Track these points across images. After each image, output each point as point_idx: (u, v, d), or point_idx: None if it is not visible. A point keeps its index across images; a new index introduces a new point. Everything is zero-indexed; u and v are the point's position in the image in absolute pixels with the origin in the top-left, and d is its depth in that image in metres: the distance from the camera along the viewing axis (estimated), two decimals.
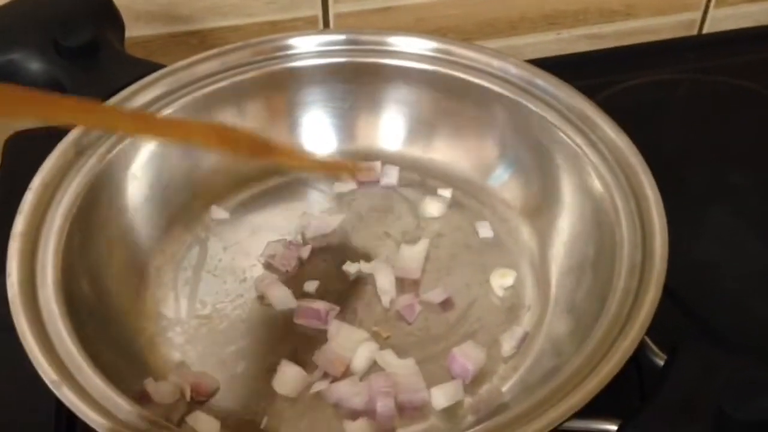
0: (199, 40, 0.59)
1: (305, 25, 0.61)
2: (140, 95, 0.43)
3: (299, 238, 0.44)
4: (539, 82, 0.44)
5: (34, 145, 0.54)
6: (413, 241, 0.44)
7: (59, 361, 0.32)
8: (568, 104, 0.43)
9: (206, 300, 0.42)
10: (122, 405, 0.31)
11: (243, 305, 0.41)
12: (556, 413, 0.30)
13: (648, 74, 0.62)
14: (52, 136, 0.55)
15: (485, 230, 0.44)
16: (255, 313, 0.41)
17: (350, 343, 0.38)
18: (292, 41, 0.46)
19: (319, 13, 0.60)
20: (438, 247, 0.44)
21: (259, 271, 0.43)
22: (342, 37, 0.46)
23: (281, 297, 0.41)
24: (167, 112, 0.43)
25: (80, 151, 0.41)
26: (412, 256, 0.43)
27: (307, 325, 0.40)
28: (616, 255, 0.37)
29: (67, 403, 0.31)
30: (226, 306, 0.41)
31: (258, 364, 0.39)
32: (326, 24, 0.60)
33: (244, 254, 0.44)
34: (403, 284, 0.42)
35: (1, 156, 0.54)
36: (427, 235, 0.44)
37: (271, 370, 0.38)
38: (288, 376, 0.37)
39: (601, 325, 0.34)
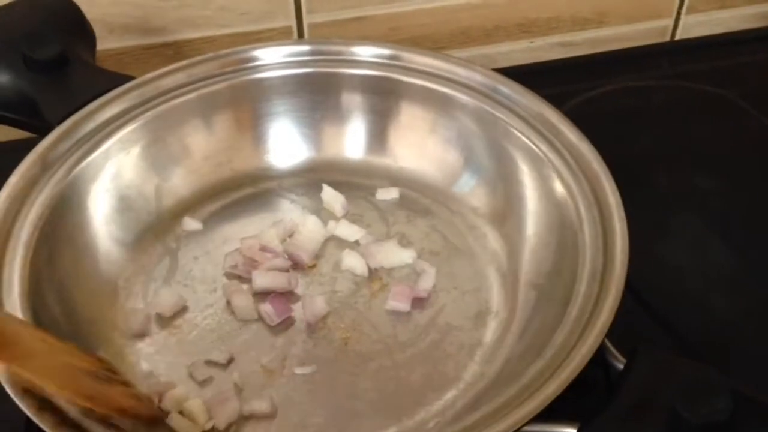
0: (174, 52, 0.60)
1: (280, 36, 0.61)
2: (108, 108, 0.44)
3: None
4: (504, 89, 0.45)
5: (1, 157, 0.54)
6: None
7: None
8: (532, 111, 0.44)
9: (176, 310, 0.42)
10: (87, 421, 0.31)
11: (213, 315, 0.42)
12: (514, 418, 0.31)
13: (621, 81, 0.62)
14: (19, 148, 0.56)
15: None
16: (225, 322, 0.41)
17: None
18: (258, 53, 0.46)
19: (294, 23, 0.61)
20: None
21: (228, 278, 0.43)
22: (307, 47, 0.46)
23: (243, 308, 0.41)
24: (136, 125, 0.43)
25: (48, 165, 0.41)
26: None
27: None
28: (578, 260, 0.37)
29: (31, 416, 0.31)
30: (196, 316, 0.42)
31: (227, 374, 0.39)
32: (300, 34, 0.61)
33: (214, 264, 0.44)
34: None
35: None
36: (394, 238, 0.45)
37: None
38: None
39: (562, 329, 0.34)
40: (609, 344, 0.35)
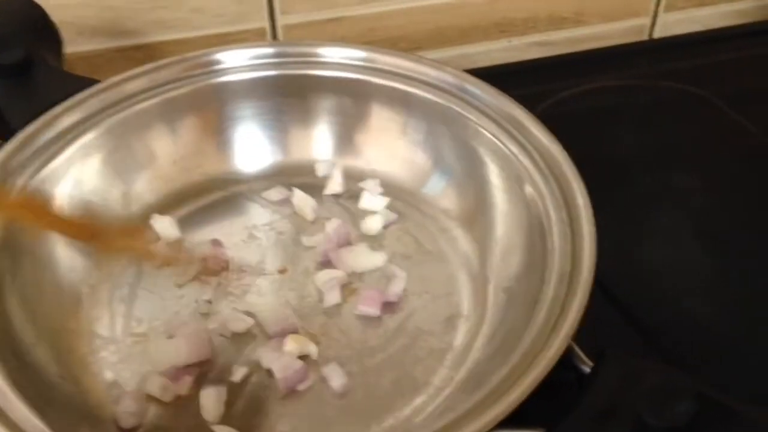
0: (145, 54, 0.59)
1: (254, 37, 0.60)
2: (72, 112, 0.43)
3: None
4: (475, 90, 0.44)
5: None
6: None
7: None
8: (503, 112, 0.43)
9: (142, 317, 0.41)
10: None
11: (180, 320, 0.41)
12: (479, 424, 0.30)
13: (599, 80, 0.62)
14: None
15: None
16: (194, 327, 0.41)
17: None
18: (221, 56, 0.46)
19: (267, 24, 0.60)
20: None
21: (196, 286, 0.43)
22: (271, 50, 0.46)
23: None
24: (99, 131, 0.43)
25: (9, 173, 0.40)
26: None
27: None
28: (547, 263, 0.37)
29: None
30: (162, 323, 0.41)
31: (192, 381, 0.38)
32: (274, 36, 0.60)
33: (181, 272, 0.43)
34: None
35: None
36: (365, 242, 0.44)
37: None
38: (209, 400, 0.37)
39: (529, 333, 0.34)
40: (576, 348, 0.34)
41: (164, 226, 0.44)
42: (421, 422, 0.36)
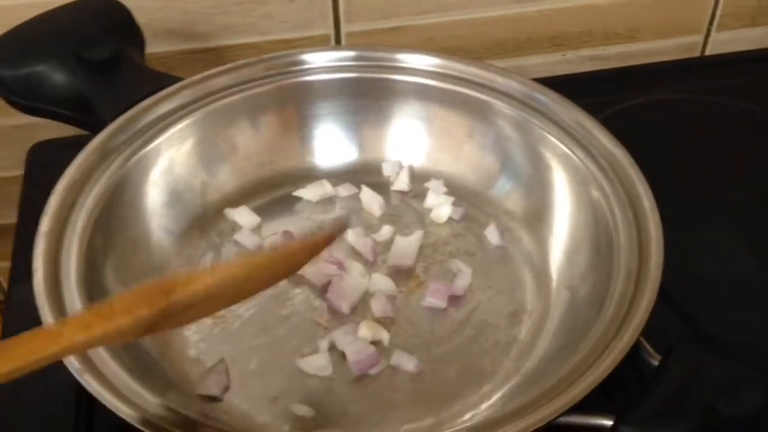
0: (215, 57, 0.62)
1: (317, 44, 0.63)
2: (158, 107, 0.46)
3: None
4: (541, 97, 0.46)
5: (55, 153, 0.57)
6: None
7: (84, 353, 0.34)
8: (568, 118, 0.45)
9: None
10: (143, 394, 0.33)
11: (256, 305, 0.43)
12: (553, 407, 0.32)
13: (650, 94, 0.63)
14: (72, 144, 0.58)
15: (493, 236, 0.46)
16: (269, 313, 0.43)
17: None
18: (304, 56, 0.48)
19: (332, 32, 0.62)
20: (442, 253, 0.46)
21: None
22: (353, 53, 0.48)
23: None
24: (187, 122, 0.45)
25: (105, 156, 0.43)
26: (406, 245, 0.45)
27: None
28: (613, 261, 0.38)
29: (90, 390, 0.33)
30: (239, 307, 0.43)
31: (269, 361, 0.40)
32: (338, 42, 0.63)
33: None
34: (400, 274, 0.44)
35: (26, 163, 0.56)
36: (430, 238, 0.46)
37: (281, 367, 0.40)
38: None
39: (599, 325, 0.35)
40: (644, 342, 0.36)
41: (242, 215, 0.47)
42: (489, 408, 0.38)
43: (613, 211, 0.40)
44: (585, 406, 0.33)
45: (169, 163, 0.45)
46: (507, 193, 0.47)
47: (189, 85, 0.46)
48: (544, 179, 0.45)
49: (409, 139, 0.49)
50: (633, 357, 0.35)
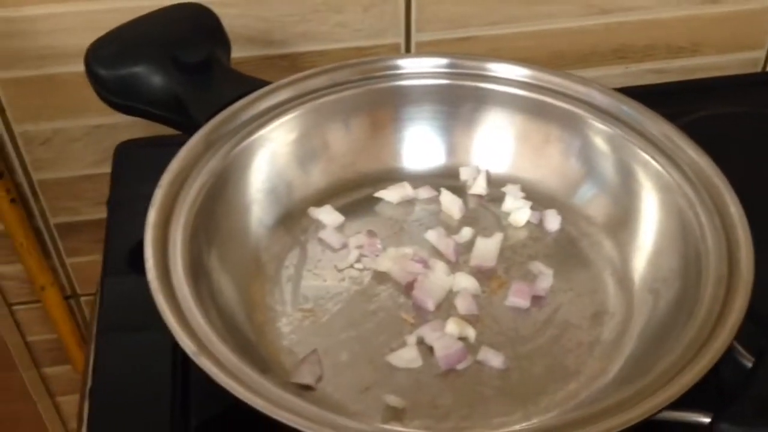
0: (289, 63, 0.64)
1: (388, 52, 0.65)
2: (250, 108, 0.47)
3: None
4: (623, 107, 0.47)
5: (141, 152, 0.59)
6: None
7: (195, 334, 0.36)
8: (650, 127, 0.46)
9: (308, 295, 0.45)
10: (254, 376, 0.34)
11: (343, 300, 0.45)
12: (652, 403, 0.33)
13: (712, 108, 0.64)
14: (157, 144, 0.60)
15: (553, 221, 0.47)
16: (356, 308, 0.44)
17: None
18: (398, 62, 0.50)
19: (402, 41, 0.64)
20: (521, 255, 0.47)
21: (355, 273, 0.46)
22: (445, 60, 0.50)
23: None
24: (288, 117, 0.47)
25: (207, 147, 0.45)
26: (487, 246, 0.46)
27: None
28: (701, 266, 0.39)
29: (208, 372, 0.34)
30: (327, 302, 0.45)
31: (359, 354, 0.42)
32: (408, 51, 0.65)
33: (341, 257, 0.47)
34: (481, 274, 0.45)
35: (113, 162, 0.59)
36: (509, 241, 0.47)
37: (370, 360, 0.41)
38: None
39: (690, 328, 0.36)
40: (736, 343, 0.36)
41: (326, 213, 0.48)
42: (577, 406, 0.39)
43: (700, 218, 0.41)
44: (681, 403, 0.34)
45: (271, 154, 0.47)
46: (589, 200, 0.48)
47: (278, 88, 0.48)
48: (628, 187, 0.46)
49: (491, 146, 0.50)
50: (725, 358, 0.36)
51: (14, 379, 0.79)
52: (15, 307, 0.75)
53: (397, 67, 0.49)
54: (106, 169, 0.65)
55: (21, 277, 0.72)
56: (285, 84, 0.48)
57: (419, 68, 0.49)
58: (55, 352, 0.79)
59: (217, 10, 0.54)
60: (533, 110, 0.49)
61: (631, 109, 0.47)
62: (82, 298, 0.76)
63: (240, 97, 0.48)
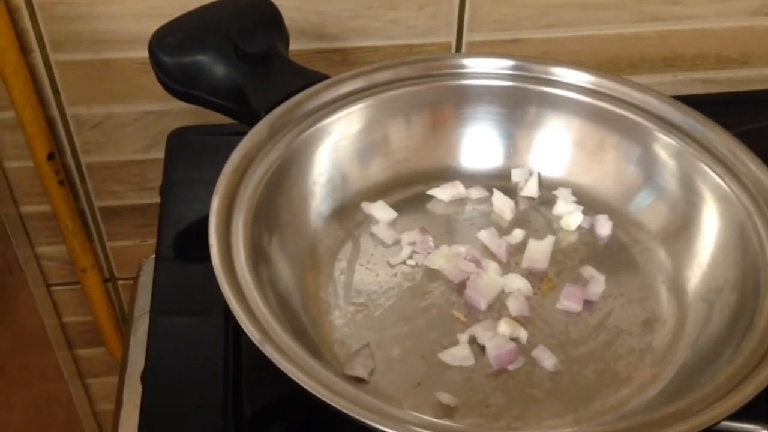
0: (340, 57, 0.64)
1: (439, 50, 0.65)
2: (313, 100, 0.48)
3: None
4: (685, 117, 0.47)
5: (193, 138, 0.60)
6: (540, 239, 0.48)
7: (258, 321, 0.36)
8: (712, 139, 0.46)
9: (361, 289, 0.45)
10: (314, 365, 0.35)
11: (395, 296, 0.45)
12: (715, 411, 0.33)
13: (760, 121, 0.64)
14: (208, 132, 0.61)
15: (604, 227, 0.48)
16: (407, 304, 0.45)
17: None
18: (463, 60, 0.50)
19: (454, 40, 0.64)
20: (572, 259, 0.47)
21: (407, 270, 0.47)
22: (510, 62, 0.50)
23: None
24: (352, 108, 0.47)
25: (271, 135, 0.45)
26: (539, 249, 0.47)
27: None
28: (760, 277, 0.39)
29: (273, 360, 0.35)
30: (380, 297, 0.45)
31: (411, 349, 0.42)
32: (459, 50, 0.65)
33: (393, 253, 0.47)
34: (533, 276, 0.46)
35: (166, 148, 0.59)
36: (560, 245, 0.47)
37: (422, 356, 0.42)
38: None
39: (751, 338, 0.36)
40: None
41: (379, 209, 0.49)
42: (628, 412, 0.39)
43: (758, 229, 0.42)
44: (739, 413, 0.34)
45: (332, 146, 0.47)
46: (645, 208, 0.48)
47: (349, 78, 0.48)
48: (685, 196, 0.46)
49: (547, 150, 0.51)
50: None
51: (49, 358, 0.80)
52: (53, 288, 0.76)
53: (461, 66, 0.50)
54: (152, 155, 0.67)
55: (63, 258, 0.73)
56: (348, 77, 0.49)
57: (483, 68, 0.50)
58: (89, 334, 0.81)
59: (275, 1, 0.55)
60: (592, 116, 0.49)
61: (692, 120, 0.47)
62: (120, 282, 0.77)
63: (301, 89, 0.48)
